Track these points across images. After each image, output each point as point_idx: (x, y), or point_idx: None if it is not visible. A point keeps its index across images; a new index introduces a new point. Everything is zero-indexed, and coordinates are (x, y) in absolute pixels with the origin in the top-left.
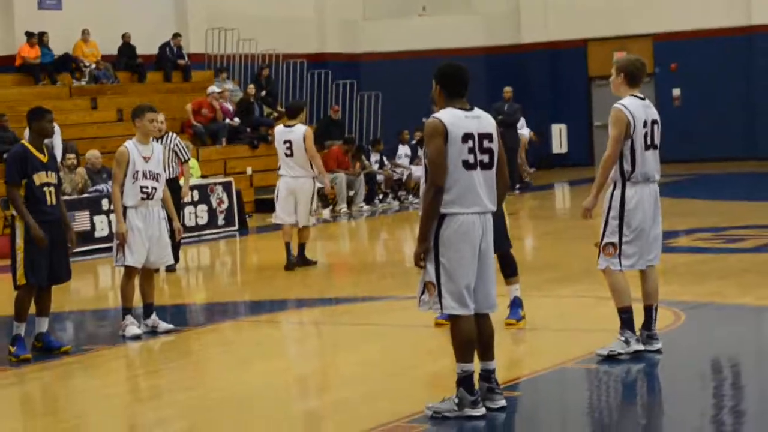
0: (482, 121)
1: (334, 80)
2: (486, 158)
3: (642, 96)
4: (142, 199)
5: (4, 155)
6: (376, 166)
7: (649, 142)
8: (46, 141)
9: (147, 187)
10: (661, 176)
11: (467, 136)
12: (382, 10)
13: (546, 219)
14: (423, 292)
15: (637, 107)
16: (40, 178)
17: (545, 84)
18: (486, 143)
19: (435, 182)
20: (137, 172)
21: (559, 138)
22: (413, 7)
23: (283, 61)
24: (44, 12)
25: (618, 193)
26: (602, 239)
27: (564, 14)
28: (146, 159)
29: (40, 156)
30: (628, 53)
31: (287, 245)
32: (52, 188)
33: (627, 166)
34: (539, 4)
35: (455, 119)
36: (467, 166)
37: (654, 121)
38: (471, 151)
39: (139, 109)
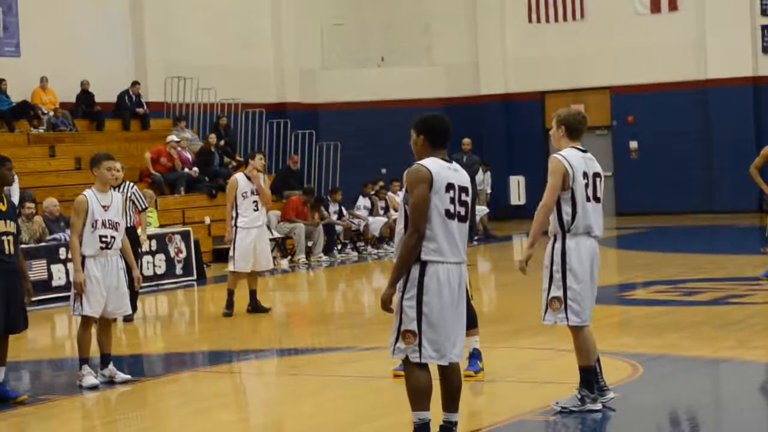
0: (461, 174)
1: (293, 130)
2: (463, 211)
3: (583, 149)
4: (101, 248)
5: None
6: (334, 217)
7: (590, 195)
8: (4, 189)
9: (106, 236)
10: (618, 228)
11: (450, 187)
12: (341, 61)
13: (504, 270)
14: (398, 340)
15: (576, 158)
16: None
17: (503, 135)
18: (464, 196)
19: (418, 228)
20: (96, 221)
21: (517, 189)
22: (372, 58)
23: (242, 111)
24: (2, 59)
25: (559, 245)
26: (547, 294)
27: (522, 66)
28: (105, 208)
29: None
30: (584, 106)
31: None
32: (10, 237)
33: (567, 218)
34: (498, 55)
35: (440, 168)
36: (449, 215)
37: (596, 174)
38: (452, 201)
39: (97, 157)
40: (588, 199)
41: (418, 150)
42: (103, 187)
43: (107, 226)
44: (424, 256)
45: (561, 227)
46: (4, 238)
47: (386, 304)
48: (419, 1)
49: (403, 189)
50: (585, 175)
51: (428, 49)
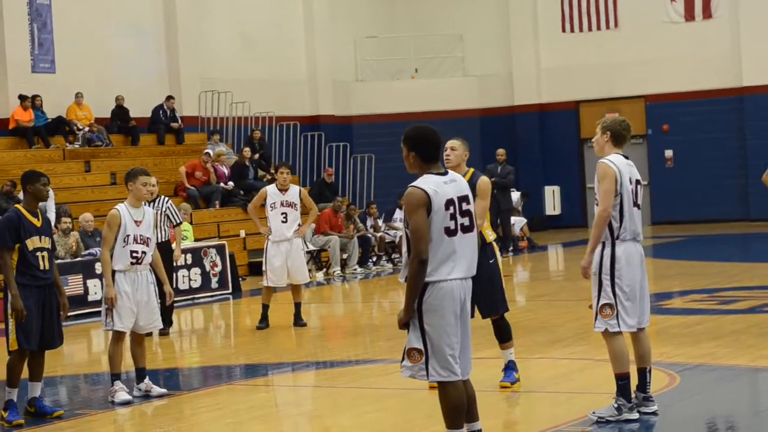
0: (459, 184)
1: (328, 142)
2: (466, 221)
3: (626, 155)
4: (132, 263)
5: None
6: (370, 230)
7: (634, 200)
8: (40, 205)
9: (137, 252)
10: (654, 237)
11: (449, 203)
12: (374, 73)
13: (540, 281)
14: (403, 359)
15: (622, 164)
16: (33, 242)
17: (537, 145)
18: (464, 206)
19: (419, 254)
20: (128, 236)
21: (552, 199)
22: (406, 70)
23: (277, 124)
24: (37, 75)
25: (608, 251)
26: (597, 301)
27: (556, 76)
28: (137, 223)
29: (34, 220)
30: (619, 114)
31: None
32: (45, 253)
33: (615, 224)
34: (531, 66)
35: (436, 186)
36: (449, 232)
37: (638, 181)
38: (452, 217)
39: (133, 172)
40: (633, 205)
41: (410, 166)
42: (137, 202)
43: (139, 241)
44: (427, 277)
45: (610, 233)
46: (39, 253)
47: (402, 325)
48: (452, 12)
49: (403, 212)
50: (630, 180)
51: (462, 60)
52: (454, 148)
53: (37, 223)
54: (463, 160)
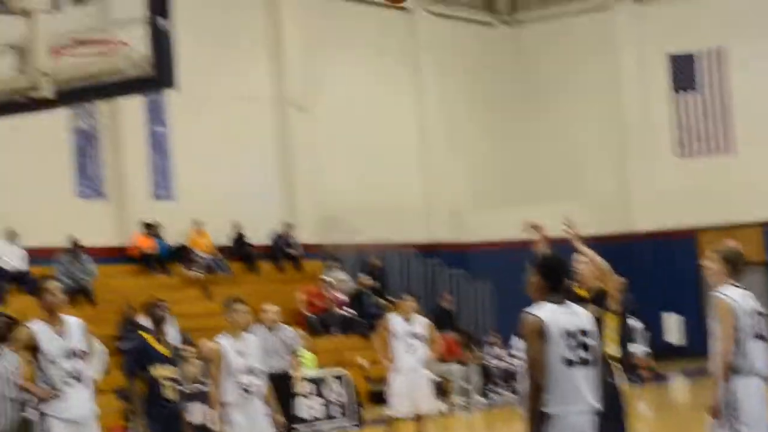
0: (579, 316)
1: (444, 269)
2: (586, 355)
3: (743, 286)
4: (242, 395)
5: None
6: (491, 358)
7: (755, 333)
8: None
9: (245, 383)
10: None
11: (566, 333)
12: (490, 199)
13: (663, 411)
14: None
15: (739, 296)
16: (159, 370)
17: (655, 272)
18: (584, 339)
19: (535, 381)
20: (233, 368)
21: (670, 327)
22: (521, 196)
23: (393, 251)
24: (158, 203)
25: (728, 386)
26: None
27: (673, 201)
28: (241, 354)
29: (161, 348)
30: (736, 242)
31: None
32: (173, 383)
33: (734, 358)
34: (648, 191)
35: (553, 315)
36: (568, 363)
37: (759, 312)
38: (571, 347)
39: (227, 301)
40: (754, 338)
41: (534, 291)
42: (238, 332)
43: (245, 371)
44: (546, 408)
45: (729, 368)
46: (167, 383)
47: None
48: (567, 137)
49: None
50: (750, 313)
51: (577, 185)
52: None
53: (166, 352)
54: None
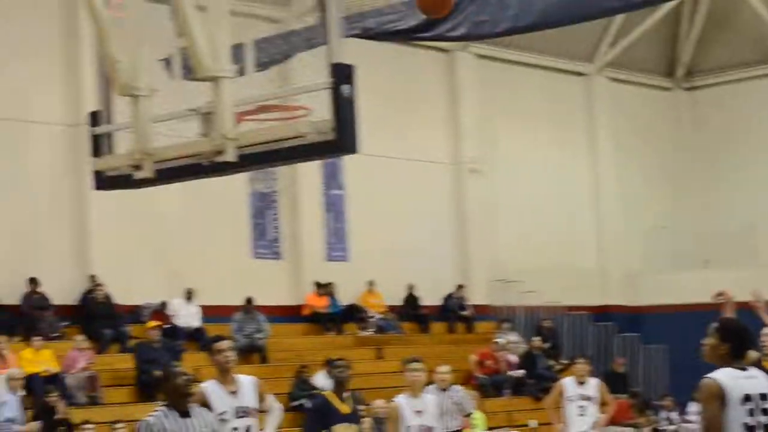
0: (760, 380)
1: (618, 333)
2: (767, 420)
3: None
4: None
5: (303, 405)
6: (665, 423)
7: None
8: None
9: None
10: None
11: (746, 398)
12: (664, 263)
13: None
14: None
15: None
16: (340, 429)
17: None
18: (765, 403)
19: None
20: (409, 427)
21: None
22: (696, 261)
23: (566, 313)
24: (332, 263)
25: None
26: None
27: None
28: (418, 413)
29: (342, 407)
30: None
31: None
32: None
33: None
34: None
35: (733, 380)
36: (748, 429)
37: None
38: (751, 413)
39: (405, 360)
40: None
41: (716, 357)
42: (415, 392)
43: (421, 431)
44: None
45: None
46: None
47: None
48: (743, 200)
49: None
50: None
51: (754, 251)
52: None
53: (346, 409)
54: None
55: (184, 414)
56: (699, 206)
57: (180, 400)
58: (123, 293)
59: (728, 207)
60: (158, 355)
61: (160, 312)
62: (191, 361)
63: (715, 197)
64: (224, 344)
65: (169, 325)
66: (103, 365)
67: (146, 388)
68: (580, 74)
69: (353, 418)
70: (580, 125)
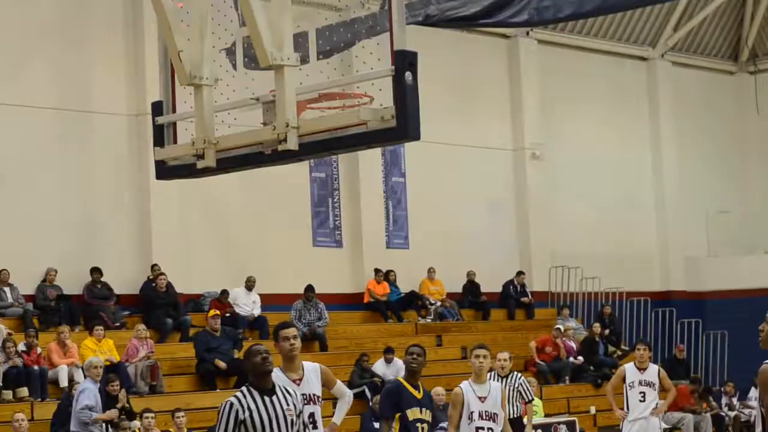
0: None
1: (679, 318)
2: None
3: None
4: None
5: (365, 390)
6: (725, 408)
7: None
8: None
9: (483, 428)
10: None
11: None
12: (726, 248)
13: None
14: None
15: None
16: (413, 413)
17: None
18: None
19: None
20: (472, 413)
21: None
22: (758, 245)
23: (627, 299)
24: (392, 251)
25: None
26: None
27: None
28: (482, 399)
29: (414, 392)
30: None
31: None
32: (425, 425)
33: None
34: None
35: None
36: None
37: None
38: None
39: (471, 347)
40: None
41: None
42: (479, 378)
43: (484, 417)
44: None
45: None
46: (418, 424)
47: None
48: None
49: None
50: None
51: None
52: None
53: (418, 395)
54: None
55: (267, 393)
56: (761, 192)
57: (260, 379)
58: (184, 282)
59: None
60: (218, 343)
61: (220, 301)
62: None
63: None
64: (290, 332)
65: (229, 314)
66: (163, 354)
67: (206, 377)
68: (643, 59)
69: (426, 403)
70: (643, 110)
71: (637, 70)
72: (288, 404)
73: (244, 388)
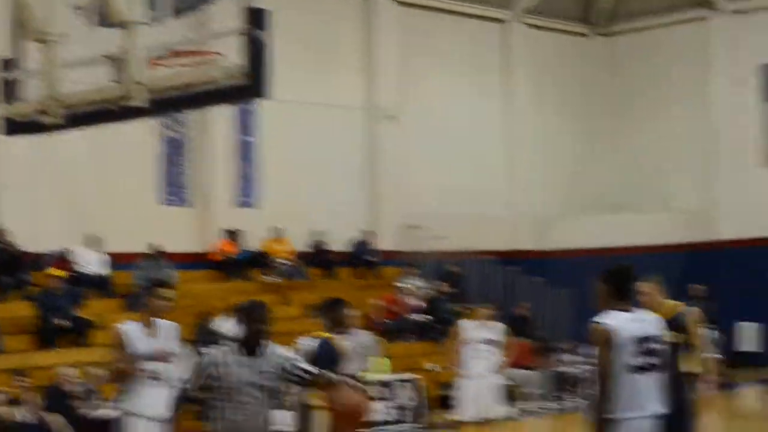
0: (646, 323)
1: (524, 277)
2: (653, 360)
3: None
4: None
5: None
6: (563, 364)
7: None
8: None
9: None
10: None
11: (633, 340)
12: (576, 208)
13: (733, 420)
14: None
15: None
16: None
17: (736, 281)
18: (652, 345)
19: (601, 387)
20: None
21: (748, 336)
22: (607, 205)
23: (475, 258)
24: (241, 210)
25: None
26: None
27: (760, 212)
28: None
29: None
30: None
31: None
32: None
33: None
34: (737, 200)
35: (622, 322)
36: (634, 369)
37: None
38: (637, 354)
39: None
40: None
41: (602, 300)
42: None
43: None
44: (612, 414)
45: None
46: None
47: None
48: (655, 147)
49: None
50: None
51: (664, 195)
52: (644, 293)
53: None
54: (655, 300)
55: (253, 353)
56: (612, 152)
57: (251, 338)
58: (29, 241)
59: (641, 153)
60: (60, 302)
61: (62, 259)
62: (96, 308)
63: (629, 143)
64: (168, 292)
65: (74, 273)
66: (3, 313)
67: (47, 336)
68: (498, 21)
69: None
70: (497, 72)
71: (492, 33)
72: (270, 366)
73: (232, 344)
